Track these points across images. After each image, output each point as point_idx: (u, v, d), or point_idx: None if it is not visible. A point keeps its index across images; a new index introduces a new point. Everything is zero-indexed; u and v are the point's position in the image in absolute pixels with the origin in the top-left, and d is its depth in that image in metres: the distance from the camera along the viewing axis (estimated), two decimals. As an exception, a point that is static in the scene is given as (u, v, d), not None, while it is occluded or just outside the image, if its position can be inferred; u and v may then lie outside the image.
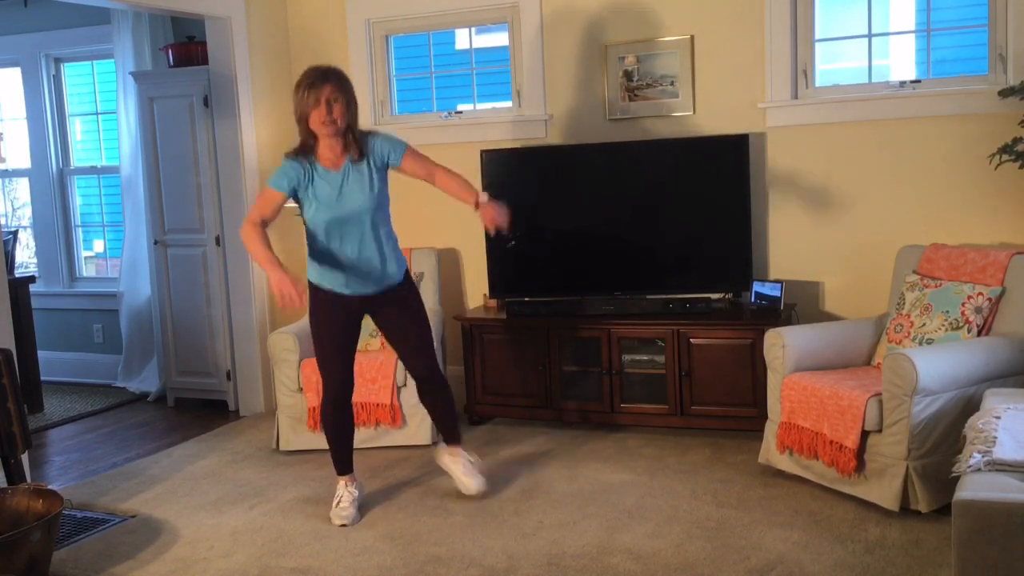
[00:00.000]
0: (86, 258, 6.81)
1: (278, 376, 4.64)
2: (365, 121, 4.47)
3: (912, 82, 4.49)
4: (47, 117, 6.57)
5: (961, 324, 3.73)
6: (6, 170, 6.91)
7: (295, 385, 4.59)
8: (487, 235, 4.93)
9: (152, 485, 4.29)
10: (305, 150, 3.61)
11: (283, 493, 4.09)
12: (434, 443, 4.58)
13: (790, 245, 4.73)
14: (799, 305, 4.66)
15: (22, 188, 7.05)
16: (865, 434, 3.51)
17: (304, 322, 4.84)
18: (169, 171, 5.57)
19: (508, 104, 5.35)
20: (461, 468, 3.89)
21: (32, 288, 6.02)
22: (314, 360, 4.50)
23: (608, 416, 4.68)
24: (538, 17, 5.08)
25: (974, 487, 2.35)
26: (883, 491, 3.46)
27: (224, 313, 5.50)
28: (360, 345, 3.95)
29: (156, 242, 5.69)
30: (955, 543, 2.31)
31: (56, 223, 6.64)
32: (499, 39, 5.49)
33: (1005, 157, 3.88)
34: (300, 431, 4.60)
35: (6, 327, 4.11)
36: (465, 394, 4.96)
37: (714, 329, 4.46)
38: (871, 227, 4.56)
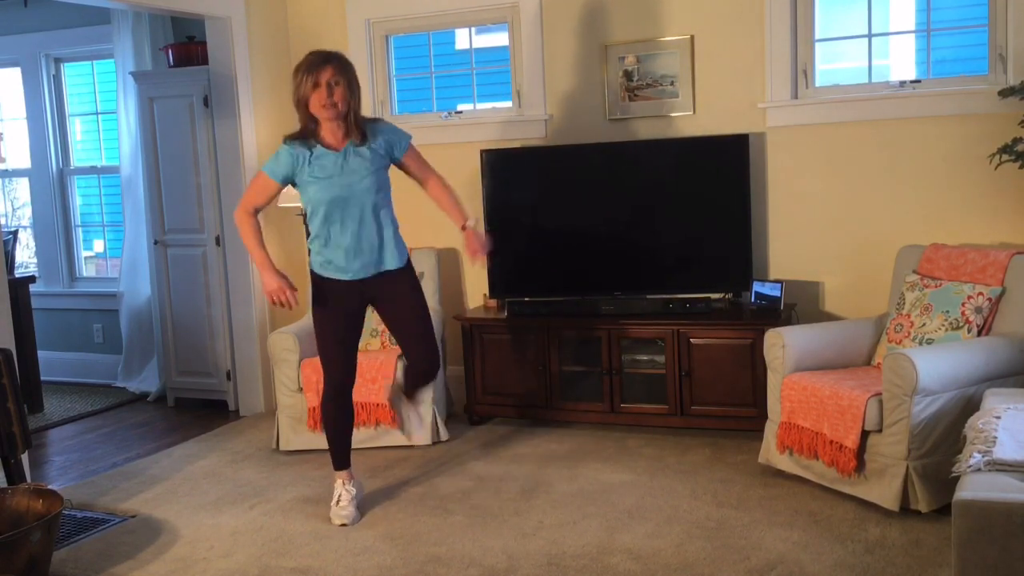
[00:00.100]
0: (86, 258, 6.82)
1: (278, 376, 4.64)
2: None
3: (912, 82, 4.49)
4: (47, 117, 6.57)
5: (961, 324, 3.73)
6: (6, 170, 6.91)
7: (295, 385, 4.59)
8: (487, 234, 4.97)
9: (152, 485, 4.29)
10: (305, 134, 3.59)
11: (283, 493, 4.09)
12: (433, 442, 4.60)
13: (790, 245, 4.73)
14: (799, 305, 4.66)
15: (22, 188, 7.05)
16: (865, 434, 3.51)
17: (304, 322, 4.85)
18: (169, 171, 5.57)
19: (508, 104, 5.35)
20: (414, 419, 4.12)
21: (32, 288, 6.02)
22: (314, 360, 4.51)
23: (608, 416, 4.68)
24: (538, 17, 5.08)
25: (974, 487, 2.35)
26: (883, 491, 3.46)
27: (224, 313, 5.50)
28: (360, 345, 3.94)
29: (156, 242, 5.69)
30: (955, 543, 2.31)
31: (56, 223, 6.64)
32: (499, 39, 5.49)
33: (1005, 157, 3.88)
34: (300, 431, 4.60)
35: (6, 327, 4.11)
36: (465, 394, 4.96)
37: (714, 329, 4.46)
38: (871, 227, 4.56)
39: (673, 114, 4.87)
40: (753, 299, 4.57)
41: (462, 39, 5.90)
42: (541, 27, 5.08)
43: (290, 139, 3.63)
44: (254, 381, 5.46)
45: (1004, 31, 4.22)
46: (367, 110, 3.71)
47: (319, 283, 3.70)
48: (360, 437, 4.39)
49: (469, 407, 4.94)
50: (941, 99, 4.36)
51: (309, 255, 3.77)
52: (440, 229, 5.34)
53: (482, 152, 4.97)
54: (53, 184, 6.61)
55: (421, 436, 4.52)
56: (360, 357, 3.92)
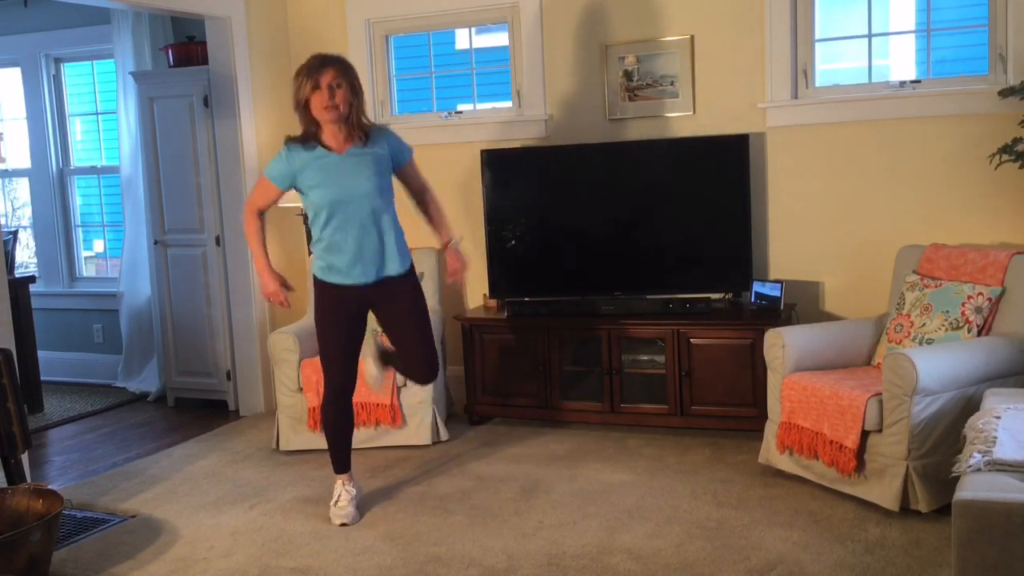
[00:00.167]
0: (86, 258, 6.82)
1: (278, 376, 4.65)
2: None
3: (912, 82, 4.49)
4: (47, 117, 6.57)
5: (961, 324, 3.73)
6: (6, 170, 6.91)
7: (295, 385, 4.59)
8: (487, 236, 4.97)
9: (152, 485, 4.29)
10: (306, 137, 3.59)
11: (283, 493, 4.09)
12: (433, 442, 4.60)
13: (790, 245, 4.73)
14: (799, 305, 4.66)
15: (22, 188, 7.05)
16: (865, 434, 3.51)
17: (304, 322, 4.85)
18: (169, 171, 5.57)
19: (508, 104, 5.35)
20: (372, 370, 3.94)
21: (32, 288, 6.02)
22: (314, 360, 4.51)
23: (608, 416, 4.68)
24: (538, 17, 5.08)
25: (974, 487, 2.35)
26: (883, 491, 3.46)
27: (224, 313, 5.50)
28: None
29: (156, 242, 5.69)
30: (955, 543, 2.31)
31: (56, 223, 6.64)
32: (499, 39, 5.49)
33: (1005, 157, 3.88)
34: (300, 431, 4.60)
35: (6, 327, 4.11)
36: (465, 394, 4.96)
37: (714, 329, 4.45)
38: (871, 227, 4.56)
39: (673, 114, 4.87)
40: (753, 299, 4.57)
41: (462, 39, 5.90)
42: (541, 27, 5.08)
43: (291, 142, 3.62)
44: (254, 381, 5.46)
45: (1004, 31, 4.22)
46: (367, 110, 3.71)
47: (321, 287, 3.69)
48: (360, 437, 4.39)
49: (469, 407, 4.94)
50: (941, 99, 4.36)
51: (310, 255, 3.77)
52: (440, 229, 5.34)
53: (482, 152, 4.97)
54: (53, 184, 6.61)
55: (382, 393, 4.45)
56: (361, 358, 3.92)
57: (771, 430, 3.92)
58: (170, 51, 5.59)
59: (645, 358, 4.66)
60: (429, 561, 3.33)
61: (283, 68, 5.60)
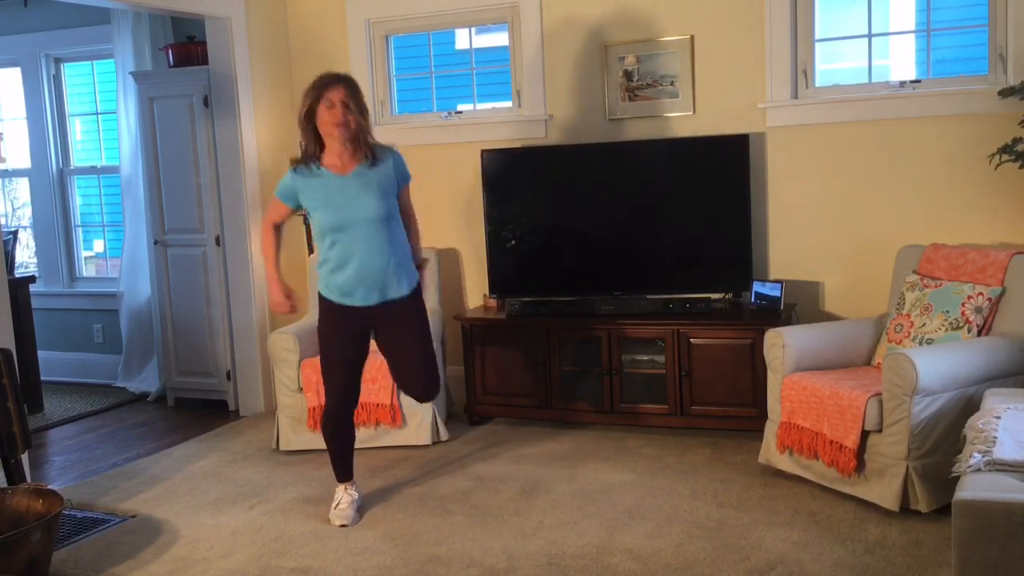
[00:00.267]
0: (86, 258, 6.81)
1: (278, 376, 4.64)
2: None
3: (912, 82, 4.49)
4: (47, 117, 6.56)
5: (961, 324, 3.73)
6: (6, 170, 6.91)
7: (295, 385, 4.59)
8: (487, 236, 4.97)
9: (152, 485, 4.29)
10: (308, 159, 3.59)
11: (283, 493, 4.09)
12: (433, 442, 4.60)
13: (790, 245, 4.72)
14: (799, 305, 4.66)
15: (22, 188, 7.05)
16: (865, 434, 3.51)
17: (304, 322, 4.86)
18: (169, 171, 5.57)
19: (508, 104, 5.35)
20: None
21: (32, 288, 6.02)
22: (314, 360, 4.51)
23: (608, 416, 4.68)
24: (538, 17, 5.08)
25: (974, 487, 2.35)
26: (883, 491, 3.46)
27: (224, 313, 5.50)
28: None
29: (156, 242, 5.69)
30: (955, 543, 2.31)
31: (56, 223, 6.64)
32: (499, 39, 5.49)
33: (1005, 157, 3.88)
34: (300, 431, 4.60)
35: (6, 327, 4.11)
36: (465, 394, 4.96)
37: (714, 329, 4.45)
38: (871, 227, 4.56)
39: (673, 114, 4.87)
40: (753, 299, 4.57)
41: (462, 39, 5.89)
42: (541, 27, 5.08)
43: (294, 164, 3.64)
44: (254, 381, 5.45)
45: (1004, 31, 4.22)
46: (371, 126, 3.71)
47: (325, 305, 3.70)
48: (360, 437, 4.37)
49: (469, 407, 4.94)
50: (941, 99, 4.35)
51: (311, 254, 3.78)
52: (440, 229, 5.35)
53: (482, 152, 4.97)
54: (53, 184, 6.61)
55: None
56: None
57: (771, 430, 3.92)
58: (170, 51, 5.59)
59: (645, 358, 4.66)
60: (429, 561, 3.33)
61: (283, 68, 5.60)
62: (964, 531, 2.28)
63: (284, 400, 4.63)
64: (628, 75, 4.93)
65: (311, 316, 4.97)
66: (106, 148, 6.61)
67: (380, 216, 3.56)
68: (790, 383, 3.81)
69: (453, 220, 5.30)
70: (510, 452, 4.47)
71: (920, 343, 3.79)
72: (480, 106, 5.47)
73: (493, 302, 5.06)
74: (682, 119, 4.86)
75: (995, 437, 2.63)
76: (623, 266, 4.81)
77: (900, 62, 5.70)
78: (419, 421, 4.56)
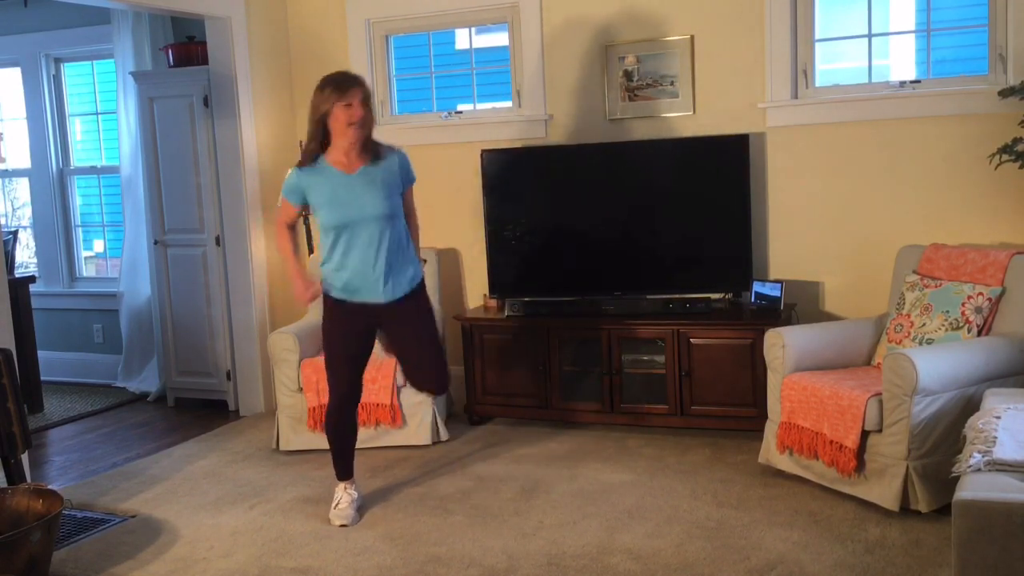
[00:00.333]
0: (86, 258, 6.81)
1: (278, 376, 4.64)
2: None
3: (912, 82, 4.49)
4: (47, 117, 6.56)
5: (961, 324, 3.73)
6: (6, 170, 6.91)
7: (295, 385, 4.59)
8: (488, 236, 4.97)
9: (152, 485, 4.29)
10: (311, 157, 3.59)
11: (283, 493, 4.09)
12: (433, 442, 4.60)
13: (790, 245, 4.72)
14: (799, 305, 4.66)
15: (22, 188, 7.05)
16: (865, 434, 3.51)
17: (304, 322, 4.86)
18: (169, 171, 5.57)
19: (508, 104, 5.35)
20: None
21: (32, 288, 6.02)
22: (314, 360, 4.53)
23: (608, 416, 4.68)
24: (538, 17, 5.08)
25: (974, 487, 2.35)
26: (883, 491, 3.46)
27: (224, 313, 5.50)
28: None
29: (156, 242, 5.69)
30: (955, 543, 2.31)
31: (56, 223, 6.64)
32: (499, 39, 5.49)
33: (1005, 157, 3.88)
34: (300, 431, 4.60)
35: (6, 327, 4.11)
36: (465, 394, 4.96)
37: (714, 329, 4.45)
38: (871, 227, 4.56)
39: (673, 114, 4.87)
40: (753, 299, 4.57)
41: (462, 39, 5.89)
42: (541, 27, 5.08)
43: (299, 165, 3.64)
44: (254, 381, 5.45)
45: (1004, 31, 4.22)
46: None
47: (330, 302, 3.70)
48: (360, 437, 4.36)
49: (469, 407, 4.94)
50: (941, 99, 4.35)
51: (311, 253, 3.79)
52: (441, 229, 5.35)
53: (482, 152, 4.97)
54: (53, 184, 6.61)
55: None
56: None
57: (771, 430, 3.92)
58: (170, 51, 5.59)
59: (645, 358, 4.66)
60: (429, 561, 3.33)
61: (283, 68, 5.60)
62: (964, 531, 2.28)
63: (284, 400, 4.63)
64: (628, 75, 4.93)
65: (311, 316, 4.98)
66: (106, 148, 6.61)
67: (384, 214, 3.57)
68: (790, 383, 3.81)
69: (453, 220, 5.30)
70: (510, 452, 4.47)
71: (920, 343, 3.79)
72: (480, 106, 5.47)
73: (493, 302, 5.06)
74: (682, 119, 4.86)
75: (995, 437, 2.63)
76: (623, 266, 4.80)
77: (900, 62, 5.70)
78: (419, 421, 4.56)
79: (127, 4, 4.92)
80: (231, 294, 5.45)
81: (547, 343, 4.72)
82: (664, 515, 3.61)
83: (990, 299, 3.73)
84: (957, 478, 2.51)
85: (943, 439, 3.39)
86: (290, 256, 3.78)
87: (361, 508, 3.82)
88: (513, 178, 4.97)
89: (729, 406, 4.43)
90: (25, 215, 7.11)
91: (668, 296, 4.67)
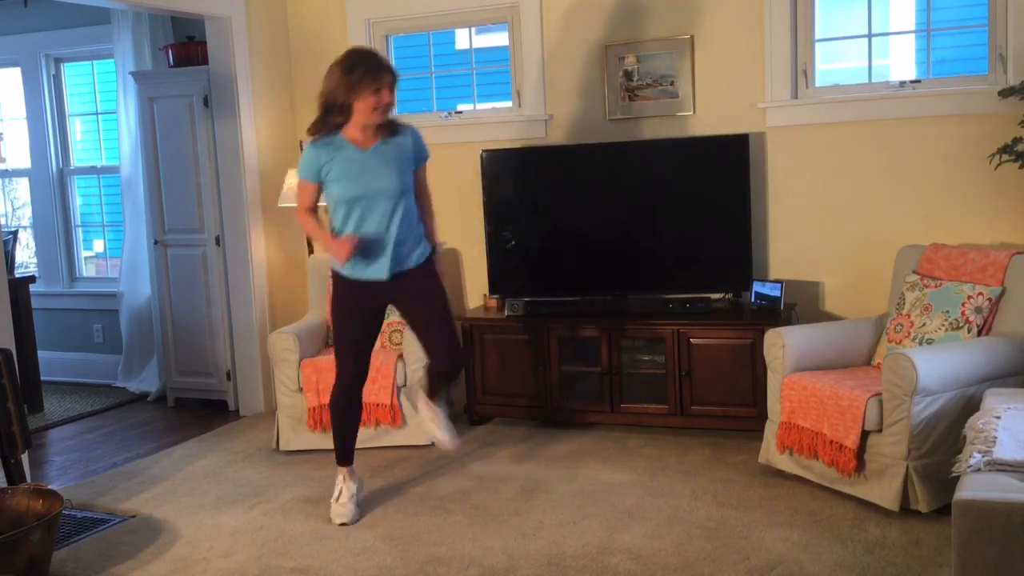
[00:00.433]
0: (86, 258, 6.82)
1: (278, 376, 4.64)
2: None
3: (912, 82, 4.49)
4: (47, 117, 6.57)
5: (961, 324, 3.73)
6: (6, 170, 6.91)
7: (295, 385, 4.59)
8: (487, 236, 4.97)
9: (152, 485, 4.29)
10: (329, 129, 3.57)
11: (283, 493, 4.09)
12: (433, 443, 4.59)
13: (790, 245, 4.72)
14: (799, 305, 4.66)
15: (22, 188, 7.05)
16: (865, 434, 3.51)
17: (304, 322, 4.86)
18: (169, 171, 5.57)
19: (508, 104, 5.35)
20: (435, 419, 3.85)
21: (32, 288, 6.02)
22: (314, 360, 4.53)
23: (608, 416, 4.68)
24: (538, 17, 5.08)
25: (974, 487, 2.35)
26: (883, 491, 3.46)
27: (224, 313, 5.50)
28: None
29: (156, 242, 5.69)
30: (955, 543, 2.31)
31: (56, 223, 6.64)
32: (499, 39, 5.49)
33: (1005, 157, 3.88)
34: (300, 431, 4.60)
35: (6, 327, 4.11)
36: (465, 394, 4.96)
37: (714, 329, 4.45)
38: (871, 227, 4.56)
39: (673, 114, 4.87)
40: (753, 299, 4.57)
41: (462, 39, 5.89)
42: (541, 27, 5.08)
43: (314, 130, 3.60)
44: (254, 381, 5.45)
45: (1004, 31, 4.22)
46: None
47: (339, 281, 3.71)
48: (360, 437, 4.36)
49: (469, 407, 4.94)
50: (941, 99, 4.35)
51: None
52: (441, 229, 5.30)
53: (482, 152, 4.97)
54: (53, 184, 6.61)
55: (446, 437, 3.87)
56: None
57: (771, 430, 3.92)
58: (170, 51, 5.59)
59: (645, 358, 4.66)
60: (429, 561, 3.33)
61: (283, 68, 5.60)
62: (964, 531, 2.28)
63: (284, 400, 4.63)
64: (628, 75, 4.93)
65: (311, 316, 4.99)
66: (106, 148, 6.61)
67: (396, 190, 3.58)
68: (790, 383, 3.81)
69: (453, 220, 5.29)
70: (510, 452, 4.47)
71: (920, 343, 3.79)
72: (480, 106, 5.47)
73: (493, 302, 5.06)
74: (682, 119, 4.86)
75: (995, 437, 2.63)
76: (623, 266, 4.80)
77: (900, 62, 5.71)
78: (419, 421, 4.55)
79: (127, 4, 4.92)
80: (231, 294, 5.45)
81: (547, 343, 4.72)
82: (664, 515, 3.61)
83: (990, 299, 3.73)
84: (957, 478, 2.51)
85: (943, 439, 3.39)
86: (316, 229, 3.74)
87: (361, 504, 3.82)
88: (513, 178, 4.97)
89: (729, 406, 4.43)
90: (25, 215, 7.11)
91: (668, 296, 4.67)
